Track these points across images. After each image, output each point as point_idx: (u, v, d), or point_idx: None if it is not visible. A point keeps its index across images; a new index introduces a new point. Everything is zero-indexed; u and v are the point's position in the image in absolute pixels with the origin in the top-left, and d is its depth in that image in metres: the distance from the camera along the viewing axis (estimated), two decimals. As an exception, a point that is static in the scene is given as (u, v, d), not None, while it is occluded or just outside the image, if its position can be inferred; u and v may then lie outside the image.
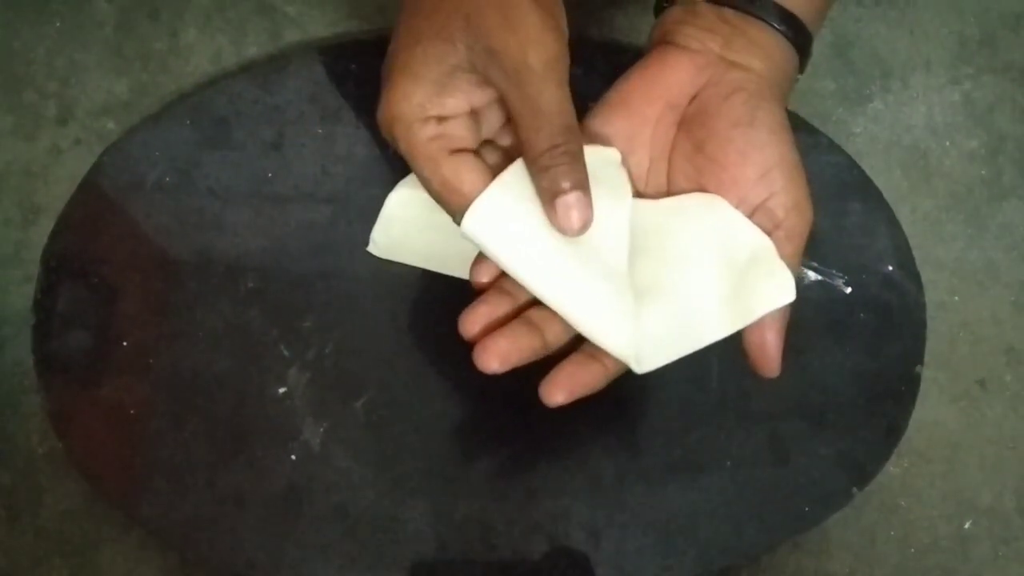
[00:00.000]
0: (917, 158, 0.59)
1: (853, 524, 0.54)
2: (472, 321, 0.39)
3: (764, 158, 0.39)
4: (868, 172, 0.55)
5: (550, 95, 0.36)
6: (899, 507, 0.54)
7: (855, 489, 0.51)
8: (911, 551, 0.54)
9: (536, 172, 0.37)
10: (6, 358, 0.54)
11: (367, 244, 0.51)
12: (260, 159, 0.53)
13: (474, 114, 0.39)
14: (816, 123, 0.56)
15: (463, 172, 0.38)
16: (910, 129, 0.60)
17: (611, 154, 0.41)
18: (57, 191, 0.55)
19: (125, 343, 0.51)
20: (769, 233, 0.39)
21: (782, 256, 0.39)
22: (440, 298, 0.51)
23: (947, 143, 0.60)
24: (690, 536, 0.50)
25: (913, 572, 0.54)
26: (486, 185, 0.38)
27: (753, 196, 0.39)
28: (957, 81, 0.61)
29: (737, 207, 0.40)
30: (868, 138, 0.60)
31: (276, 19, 0.59)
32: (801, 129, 0.56)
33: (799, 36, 0.42)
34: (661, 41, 0.43)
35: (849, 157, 0.55)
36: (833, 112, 0.60)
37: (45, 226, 0.53)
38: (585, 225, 0.37)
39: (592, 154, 0.40)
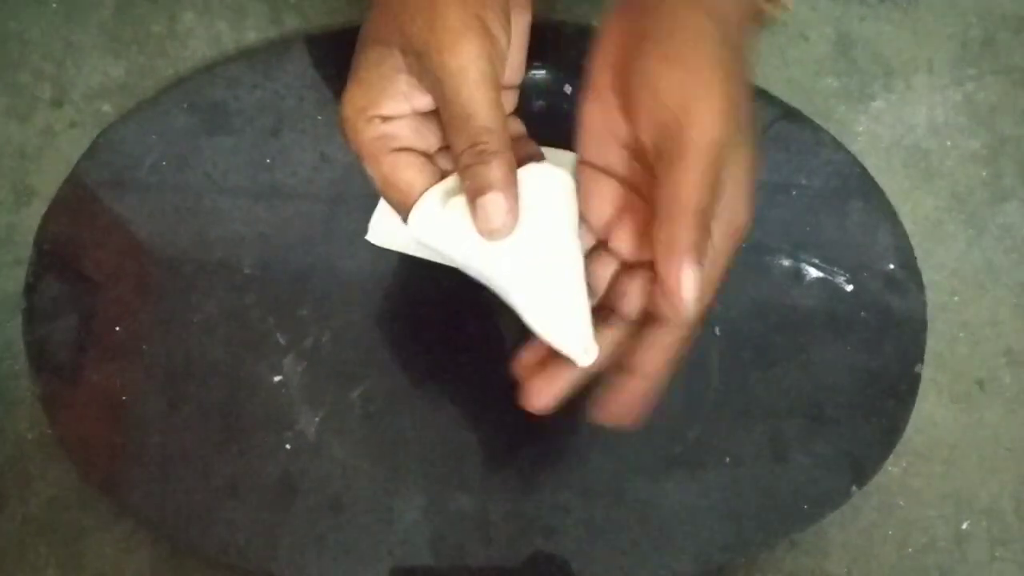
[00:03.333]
0: (919, 158, 0.59)
1: (851, 523, 0.53)
2: (525, 362, 0.39)
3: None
4: (870, 171, 0.55)
5: (467, 96, 0.36)
6: (897, 507, 0.54)
7: (854, 488, 0.50)
8: (909, 551, 0.54)
9: (460, 172, 0.37)
10: (-4, 342, 0.53)
11: (365, 233, 0.51)
12: (258, 145, 0.53)
13: (422, 117, 0.39)
14: (819, 121, 0.56)
15: (400, 169, 0.38)
16: (912, 129, 0.60)
17: (562, 176, 0.40)
18: (51, 174, 0.54)
19: (118, 328, 0.50)
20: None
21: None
22: (438, 288, 0.51)
23: (948, 143, 0.60)
24: (688, 533, 0.49)
25: (910, 572, 0.53)
26: (425, 182, 0.38)
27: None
28: (959, 82, 0.61)
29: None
30: (870, 137, 0.59)
31: (276, 5, 0.58)
32: (804, 126, 0.55)
33: None
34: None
35: (851, 155, 0.55)
36: (835, 110, 0.60)
37: (38, 209, 0.52)
38: (504, 227, 0.36)
39: (538, 174, 0.40)
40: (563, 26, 0.54)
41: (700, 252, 0.34)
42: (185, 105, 0.53)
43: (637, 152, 0.39)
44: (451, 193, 0.38)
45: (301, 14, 0.58)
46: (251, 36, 0.58)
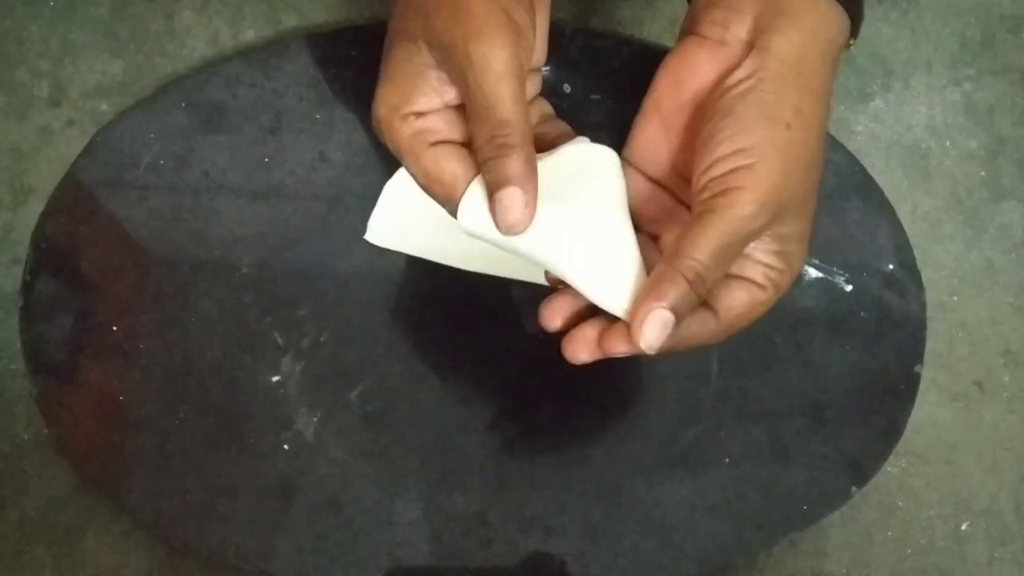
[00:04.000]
0: (918, 158, 0.59)
1: (850, 524, 0.53)
2: (552, 312, 0.40)
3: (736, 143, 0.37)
4: (869, 170, 0.55)
5: (489, 88, 0.36)
6: (896, 507, 0.54)
7: (854, 488, 0.50)
8: (908, 551, 0.54)
9: (480, 165, 0.37)
10: (-7, 342, 0.53)
11: (364, 232, 0.51)
12: (257, 144, 0.53)
13: (454, 109, 0.39)
14: (818, 120, 0.56)
15: (442, 162, 0.38)
16: (911, 129, 0.60)
17: (607, 153, 0.41)
18: (48, 172, 0.54)
19: (115, 328, 0.50)
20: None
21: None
22: (437, 288, 0.51)
23: (947, 143, 0.60)
24: (687, 533, 0.49)
25: (910, 573, 0.53)
26: (468, 173, 0.38)
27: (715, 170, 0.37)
28: (958, 82, 0.61)
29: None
30: (869, 136, 0.59)
31: (274, 3, 0.58)
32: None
33: None
34: (688, 32, 0.41)
35: (850, 155, 0.55)
36: (834, 110, 0.60)
37: (35, 207, 0.52)
38: (521, 222, 0.36)
39: (585, 151, 0.40)
40: (563, 26, 0.54)
41: (680, 303, 0.36)
42: (183, 104, 0.53)
43: (684, 175, 0.40)
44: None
45: (299, 13, 0.58)
46: (249, 35, 0.57)
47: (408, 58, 0.38)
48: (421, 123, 0.38)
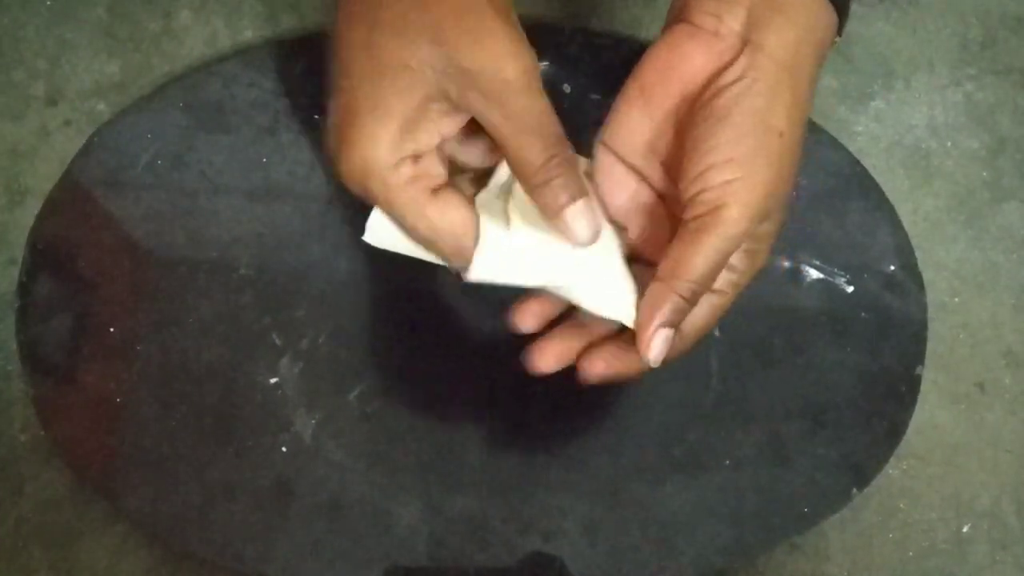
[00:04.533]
0: (919, 158, 0.59)
1: (851, 526, 0.53)
2: (524, 315, 0.40)
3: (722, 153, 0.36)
4: (870, 171, 0.55)
5: (535, 107, 0.34)
6: (898, 509, 0.54)
7: (855, 490, 0.50)
8: (909, 554, 0.53)
9: (534, 188, 0.35)
10: (-11, 342, 0.53)
11: (362, 233, 0.50)
12: (255, 144, 0.52)
13: (440, 145, 0.37)
14: (818, 120, 0.56)
15: (450, 212, 0.36)
16: (912, 129, 0.59)
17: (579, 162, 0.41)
18: (45, 172, 0.53)
19: (112, 329, 0.50)
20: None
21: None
22: (436, 290, 0.51)
23: (948, 144, 0.59)
24: (688, 536, 0.49)
25: (911, 575, 0.53)
26: (472, 218, 0.36)
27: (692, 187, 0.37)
28: (959, 82, 0.61)
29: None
30: (870, 137, 0.59)
31: (272, 3, 0.58)
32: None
33: None
34: (678, 19, 0.40)
35: (851, 155, 0.55)
36: (835, 110, 0.59)
37: (32, 208, 0.51)
38: (597, 232, 0.36)
39: None
40: (563, 26, 0.54)
41: (679, 319, 0.37)
42: (180, 104, 0.52)
43: (667, 164, 0.40)
44: (495, 219, 0.37)
45: (297, 12, 0.58)
46: (247, 34, 0.57)
47: (410, 89, 0.35)
48: (419, 167, 0.36)
